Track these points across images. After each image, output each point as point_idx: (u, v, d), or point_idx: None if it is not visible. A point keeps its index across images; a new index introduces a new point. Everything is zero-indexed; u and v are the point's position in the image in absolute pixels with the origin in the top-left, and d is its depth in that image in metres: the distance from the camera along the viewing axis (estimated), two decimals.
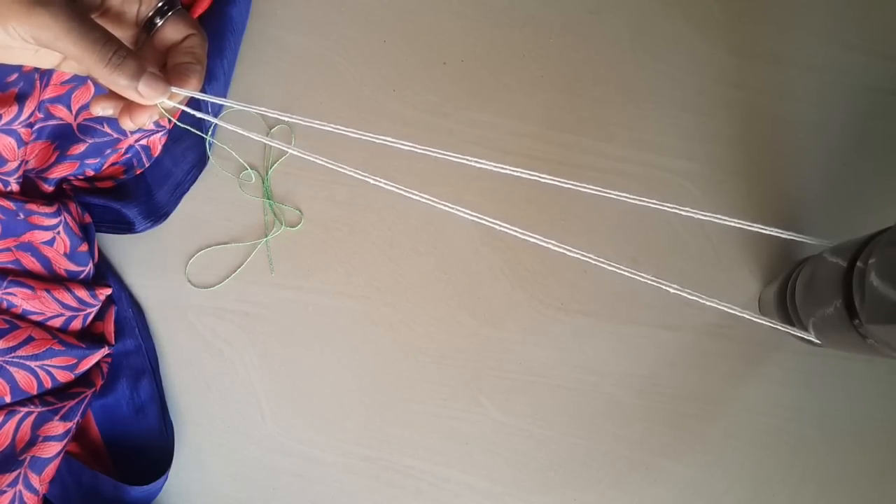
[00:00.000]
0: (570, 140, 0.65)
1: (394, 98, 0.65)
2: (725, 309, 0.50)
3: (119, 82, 0.34)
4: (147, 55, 0.39)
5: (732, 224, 0.49)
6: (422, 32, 0.66)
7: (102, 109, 0.38)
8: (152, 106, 0.37)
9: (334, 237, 0.65)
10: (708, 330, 0.63)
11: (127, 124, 0.38)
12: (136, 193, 0.63)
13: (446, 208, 0.42)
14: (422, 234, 0.64)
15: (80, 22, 0.33)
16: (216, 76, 0.62)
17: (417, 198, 0.41)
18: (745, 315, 0.51)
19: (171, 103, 0.38)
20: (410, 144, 0.40)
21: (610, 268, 0.47)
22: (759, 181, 0.64)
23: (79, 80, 0.58)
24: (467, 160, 0.40)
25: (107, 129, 0.60)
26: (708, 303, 0.49)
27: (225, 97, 0.63)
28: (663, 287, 0.48)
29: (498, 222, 0.44)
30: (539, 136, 0.65)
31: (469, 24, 0.66)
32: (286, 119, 0.41)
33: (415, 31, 0.66)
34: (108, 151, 0.61)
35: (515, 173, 0.42)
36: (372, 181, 0.41)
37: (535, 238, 0.45)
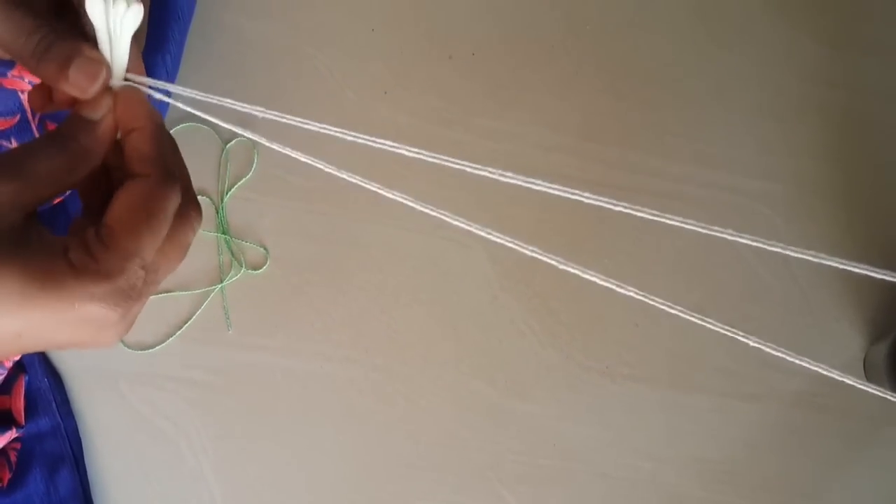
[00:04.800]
0: (614, 155, 0.63)
1: (385, 102, 0.64)
2: (821, 372, 0.44)
3: (47, 74, 0.33)
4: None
5: (830, 264, 0.42)
6: (421, 18, 0.65)
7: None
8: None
9: (309, 282, 0.62)
10: (797, 400, 0.61)
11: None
12: (53, 224, 0.59)
13: (460, 224, 0.37)
14: (423, 277, 0.62)
15: (10, 10, 0.32)
16: (157, 76, 0.62)
17: (421, 208, 0.37)
18: (846, 381, 0.46)
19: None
20: (412, 149, 0.36)
21: (673, 311, 0.42)
22: (860, 207, 0.63)
23: None
24: (485, 171, 0.36)
25: None
26: (798, 362, 0.43)
27: (167, 103, 0.60)
28: (740, 339, 0.42)
29: (529, 247, 0.39)
30: (573, 149, 0.63)
31: (482, 8, 0.65)
32: (248, 111, 0.36)
33: (412, 17, 0.65)
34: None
35: (545, 189, 0.38)
36: (371, 188, 0.36)
37: (575, 268, 0.40)
